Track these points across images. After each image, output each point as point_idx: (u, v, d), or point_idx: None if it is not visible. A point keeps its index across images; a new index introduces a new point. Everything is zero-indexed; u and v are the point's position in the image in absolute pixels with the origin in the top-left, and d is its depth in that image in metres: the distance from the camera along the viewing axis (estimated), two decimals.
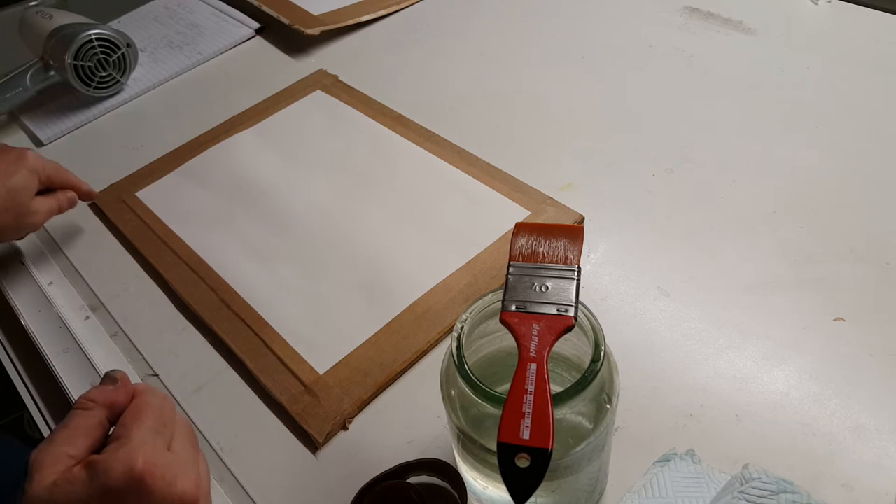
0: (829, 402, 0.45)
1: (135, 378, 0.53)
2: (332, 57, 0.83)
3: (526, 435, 0.30)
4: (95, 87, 0.80)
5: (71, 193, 0.61)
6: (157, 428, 0.33)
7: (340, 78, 0.78)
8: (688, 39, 0.76)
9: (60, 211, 0.60)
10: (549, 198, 0.60)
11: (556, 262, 0.36)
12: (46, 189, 0.58)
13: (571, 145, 0.66)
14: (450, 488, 0.39)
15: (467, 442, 0.35)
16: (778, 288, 0.51)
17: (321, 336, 0.53)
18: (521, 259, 0.36)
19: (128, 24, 0.95)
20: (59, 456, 0.31)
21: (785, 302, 0.50)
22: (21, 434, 0.96)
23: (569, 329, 0.33)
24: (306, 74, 0.80)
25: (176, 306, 0.58)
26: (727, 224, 0.56)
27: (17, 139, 0.79)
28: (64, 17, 0.81)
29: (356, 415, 0.48)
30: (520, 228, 0.38)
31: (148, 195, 0.67)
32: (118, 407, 0.34)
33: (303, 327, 0.54)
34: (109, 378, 0.35)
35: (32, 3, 0.99)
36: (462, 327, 0.35)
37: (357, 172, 0.66)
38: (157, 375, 0.53)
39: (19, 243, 0.65)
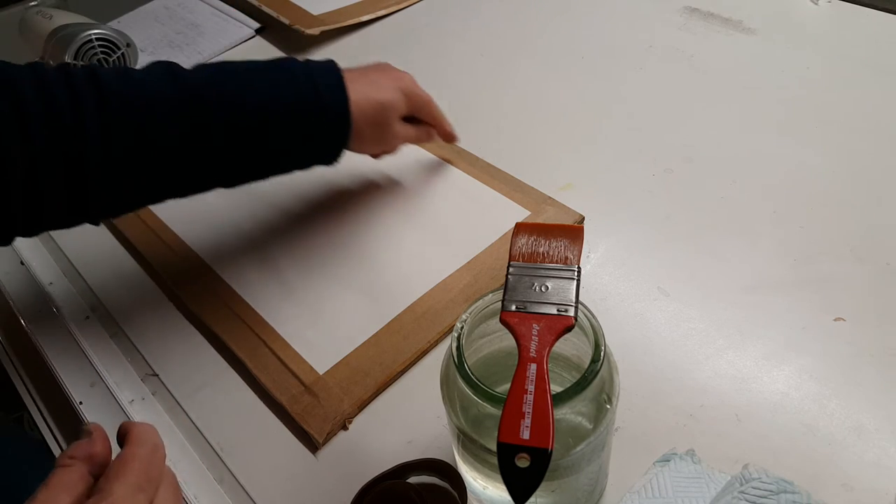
0: (829, 402, 0.45)
1: (134, 378, 0.53)
2: (332, 57, 0.82)
3: (526, 435, 0.30)
4: None
5: (431, 129, 0.61)
6: (140, 483, 0.32)
7: None
8: (688, 39, 0.76)
9: (417, 141, 0.61)
10: (549, 198, 0.60)
11: (556, 262, 0.36)
12: (412, 118, 0.59)
13: (571, 145, 0.66)
14: (450, 488, 0.39)
15: (467, 442, 0.35)
16: (778, 288, 0.51)
17: (321, 336, 0.53)
18: (521, 259, 0.36)
19: (128, 24, 0.95)
20: None
21: (785, 302, 0.50)
22: (21, 434, 0.96)
23: (569, 329, 0.33)
24: None
25: (176, 306, 0.58)
26: (727, 224, 0.56)
27: None
28: (64, 17, 0.81)
29: (356, 415, 0.48)
30: (520, 228, 0.38)
31: None
32: (97, 458, 0.33)
33: (303, 327, 0.54)
34: (84, 432, 0.34)
35: (32, 3, 0.99)
36: (462, 327, 0.35)
37: (357, 172, 0.66)
38: (158, 375, 0.53)
39: (19, 245, 0.65)
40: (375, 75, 0.56)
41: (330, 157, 0.55)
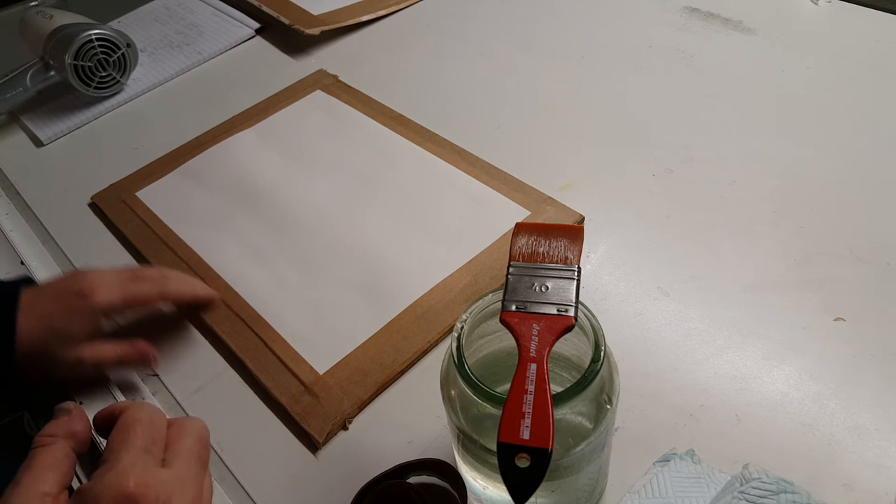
0: (829, 402, 0.45)
1: (134, 378, 0.53)
2: (332, 57, 0.83)
3: (526, 435, 0.30)
4: (95, 87, 0.80)
5: (141, 348, 0.48)
6: (146, 446, 0.31)
7: (340, 78, 0.78)
8: (688, 39, 0.76)
9: (125, 363, 0.48)
10: (549, 198, 0.60)
11: (556, 262, 0.36)
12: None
13: (571, 145, 0.66)
14: (450, 488, 0.39)
15: (467, 442, 0.35)
16: (778, 288, 0.51)
17: (321, 336, 0.53)
18: (521, 259, 0.36)
19: (128, 24, 0.95)
20: (31, 496, 0.29)
21: (785, 302, 0.50)
22: (21, 434, 0.96)
23: (569, 329, 0.33)
24: (306, 74, 0.80)
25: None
26: (727, 224, 0.56)
27: (17, 139, 0.79)
28: (64, 17, 0.81)
29: (356, 415, 0.48)
30: (520, 228, 0.38)
31: (148, 195, 0.67)
32: (79, 435, 0.33)
33: (303, 327, 0.54)
34: (63, 410, 0.33)
35: (32, 3, 0.99)
36: (462, 327, 0.35)
37: (357, 172, 0.66)
38: (157, 375, 0.53)
39: (19, 244, 0.65)
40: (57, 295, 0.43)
41: None
